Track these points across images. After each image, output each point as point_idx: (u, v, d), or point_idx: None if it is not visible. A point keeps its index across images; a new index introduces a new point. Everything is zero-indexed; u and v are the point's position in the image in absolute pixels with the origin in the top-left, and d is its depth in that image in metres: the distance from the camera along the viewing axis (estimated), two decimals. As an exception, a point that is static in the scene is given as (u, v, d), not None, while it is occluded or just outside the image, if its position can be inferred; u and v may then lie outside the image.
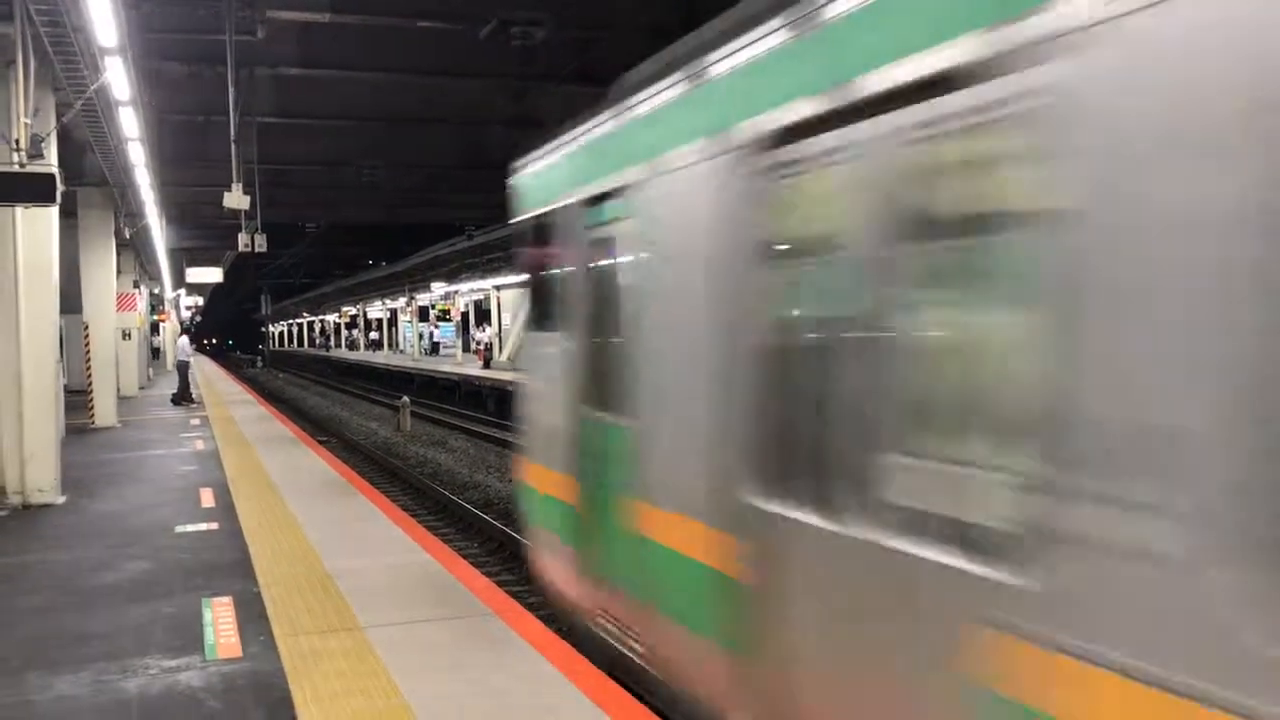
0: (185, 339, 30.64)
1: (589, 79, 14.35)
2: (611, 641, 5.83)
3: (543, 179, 7.09)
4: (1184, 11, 2.37)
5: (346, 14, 13.91)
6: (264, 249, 21.17)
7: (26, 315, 11.36)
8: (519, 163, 7.60)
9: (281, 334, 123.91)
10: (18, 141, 10.45)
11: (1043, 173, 2.78)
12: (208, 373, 46.54)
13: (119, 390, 25.81)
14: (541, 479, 6.95)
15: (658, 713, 4.97)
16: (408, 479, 17.51)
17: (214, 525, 10.02)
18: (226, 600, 7.20)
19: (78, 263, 21.19)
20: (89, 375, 20.81)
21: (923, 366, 3.41)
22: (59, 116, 12.01)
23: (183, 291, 60.05)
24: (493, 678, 5.39)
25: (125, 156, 15.85)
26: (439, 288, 50.05)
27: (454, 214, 34.72)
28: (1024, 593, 2.78)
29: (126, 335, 26.59)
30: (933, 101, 3.20)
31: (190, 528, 9.96)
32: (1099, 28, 2.55)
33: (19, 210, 11.09)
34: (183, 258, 40.80)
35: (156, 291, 46.36)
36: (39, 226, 11.53)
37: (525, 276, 7.55)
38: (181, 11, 13.84)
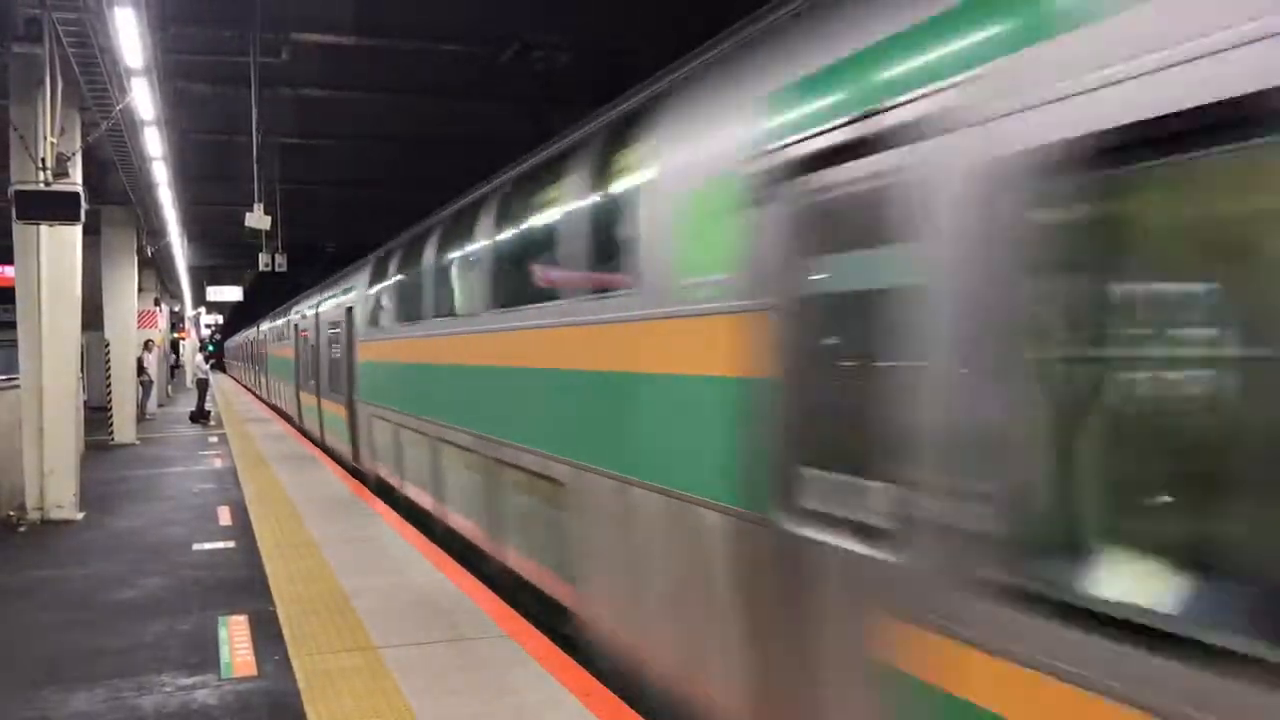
0: (201, 357, 30.89)
1: (609, 103, 14.42)
2: None
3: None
4: None
5: (369, 37, 14.03)
6: (284, 269, 21.31)
7: (48, 332, 11.44)
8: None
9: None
10: (44, 160, 10.56)
11: None
12: (226, 390, 46.74)
13: (145, 408, 26.02)
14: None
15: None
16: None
17: (231, 543, 10.05)
18: (242, 619, 7.21)
19: (100, 280, 21.35)
20: (109, 392, 20.94)
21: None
22: (85, 136, 12.14)
23: (203, 309, 60.45)
24: (506, 699, 5.38)
25: (149, 175, 16.02)
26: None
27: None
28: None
29: (149, 348, 26.74)
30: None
31: (207, 545, 10.00)
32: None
33: (43, 228, 11.20)
34: (203, 276, 41.09)
35: (177, 309, 46.68)
36: (62, 244, 11.64)
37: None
38: (207, 33, 13.98)
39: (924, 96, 3.28)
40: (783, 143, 4.09)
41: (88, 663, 6.36)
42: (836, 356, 3.94)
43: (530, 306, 7.15)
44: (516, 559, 7.72)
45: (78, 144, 11.70)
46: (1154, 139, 2.49)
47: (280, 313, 30.58)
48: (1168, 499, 2.70)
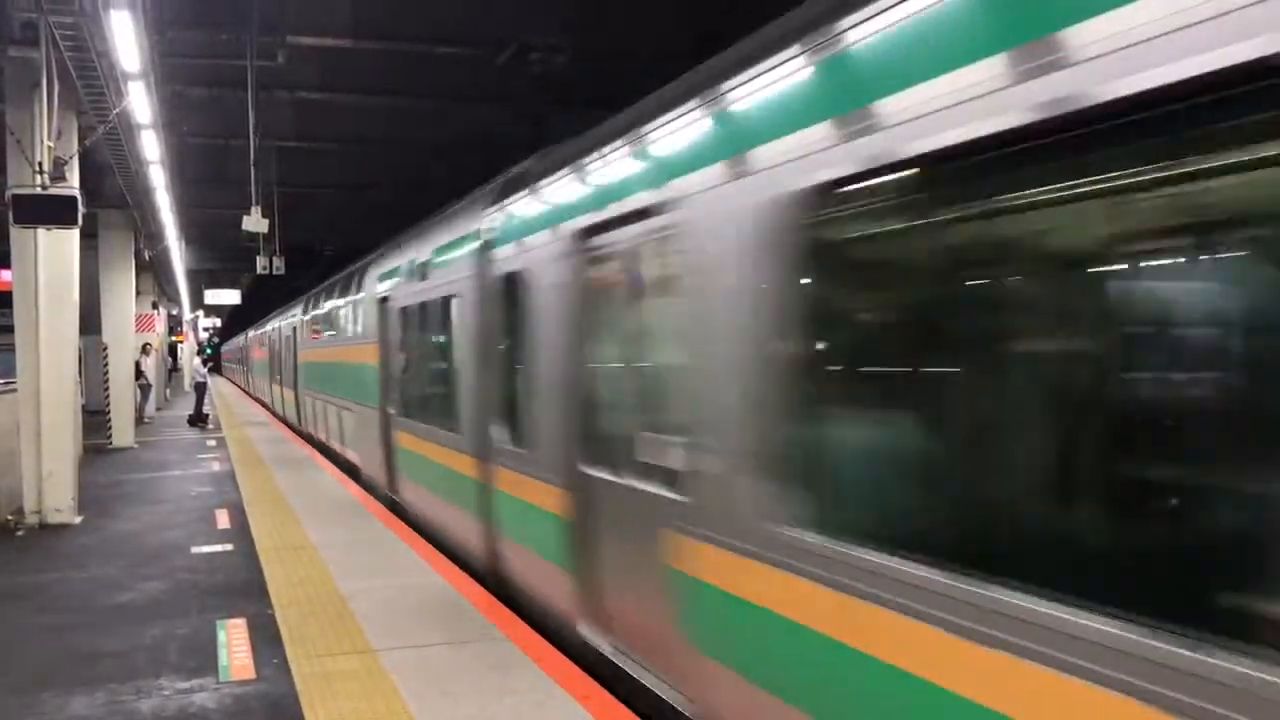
0: (199, 360, 30.94)
1: (607, 104, 14.41)
2: None
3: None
4: None
5: (366, 39, 14.03)
6: (282, 271, 21.30)
7: (46, 336, 11.44)
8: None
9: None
10: (41, 164, 10.55)
11: None
12: (224, 394, 46.74)
13: (143, 411, 26.04)
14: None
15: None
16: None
17: (229, 546, 10.05)
18: (240, 622, 7.22)
19: (97, 284, 21.32)
20: (107, 395, 20.93)
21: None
22: (82, 139, 12.14)
23: (200, 313, 60.45)
24: (505, 701, 5.39)
25: (146, 179, 16.00)
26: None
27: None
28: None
29: (145, 351, 26.73)
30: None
31: (205, 549, 10.00)
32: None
33: (40, 232, 11.19)
34: (201, 279, 41.07)
35: (175, 313, 46.65)
36: (60, 248, 11.63)
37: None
38: (204, 37, 13.98)
39: (393, 289, 12.00)
40: (381, 291, 12.66)
41: (86, 666, 6.35)
42: (393, 358, 11.98)
43: (340, 336, 16.41)
44: (351, 454, 15.53)
45: (75, 148, 11.69)
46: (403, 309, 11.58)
47: (258, 325, 42.42)
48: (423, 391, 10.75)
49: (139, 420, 24.16)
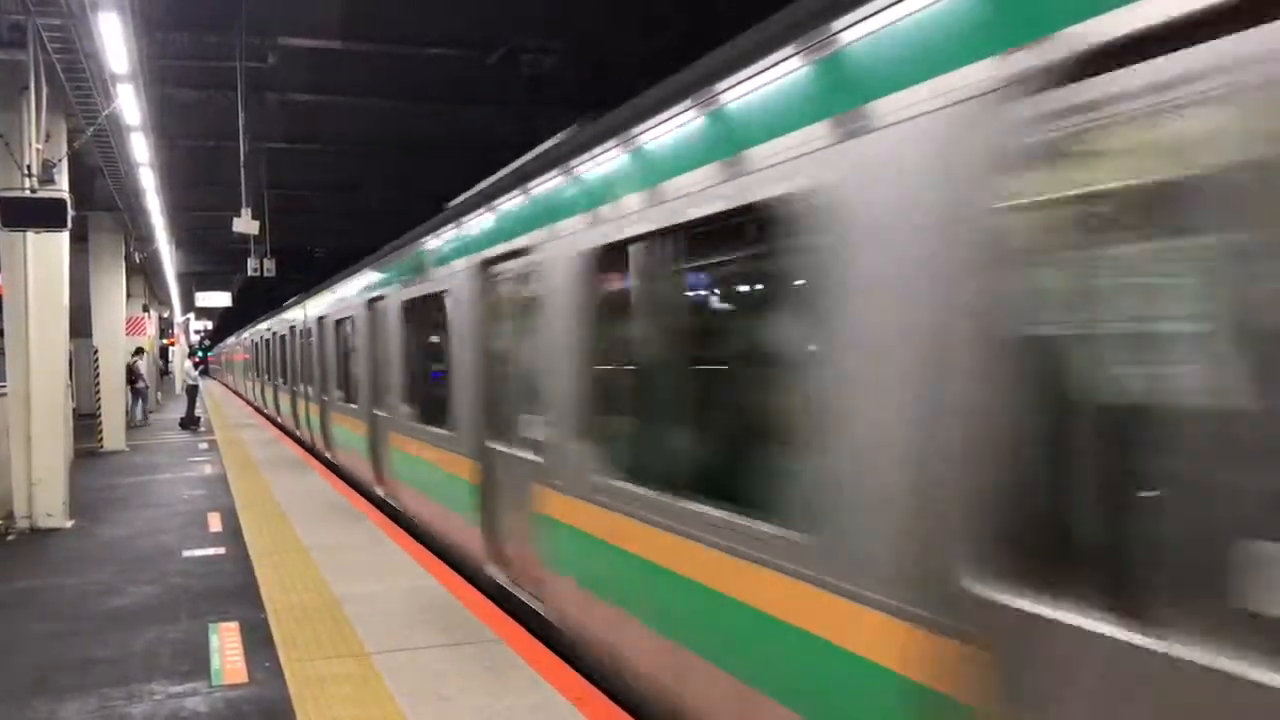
0: (190, 363, 30.86)
1: (598, 106, 14.34)
2: None
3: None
4: None
5: (356, 41, 13.99)
6: (273, 273, 21.23)
7: (36, 340, 11.39)
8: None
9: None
10: (29, 167, 10.50)
11: None
12: (215, 396, 46.63)
13: (137, 415, 25.96)
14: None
15: (666, 741, 5.08)
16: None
17: (221, 550, 10.01)
18: (233, 625, 7.19)
19: (88, 287, 21.24)
20: (98, 399, 20.84)
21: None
22: (70, 142, 12.07)
23: (191, 315, 60.25)
24: (500, 705, 5.37)
25: (136, 181, 15.93)
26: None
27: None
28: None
29: (139, 355, 26.65)
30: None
31: (198, 552, 9.96)
32: None
33: (30, 235, 11.14)
34: (192, 282, 40.92)
35: (166, 315, 46.49)
36: (50, 251, 11.58)
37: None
38: (193, 39, 13.92)
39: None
40: (319, 314, 18.55)
41: (78, 672, 6.32)
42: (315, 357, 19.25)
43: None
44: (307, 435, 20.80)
45: (64, 150, 11.63)
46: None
47: (237, 334, 51.51)
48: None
49: (132, 423, 24.08)
